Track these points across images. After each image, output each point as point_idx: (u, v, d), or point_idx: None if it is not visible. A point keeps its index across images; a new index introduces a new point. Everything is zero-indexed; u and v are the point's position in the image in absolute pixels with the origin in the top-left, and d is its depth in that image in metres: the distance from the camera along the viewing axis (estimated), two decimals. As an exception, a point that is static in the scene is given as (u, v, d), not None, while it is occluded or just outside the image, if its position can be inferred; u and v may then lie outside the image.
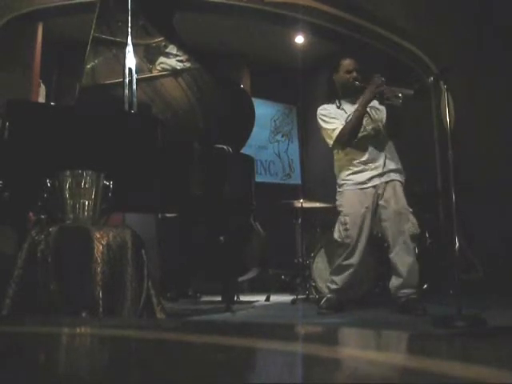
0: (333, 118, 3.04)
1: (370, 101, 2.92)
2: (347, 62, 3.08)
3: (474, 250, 4.23)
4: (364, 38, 5.44)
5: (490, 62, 4.84)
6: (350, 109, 3.04)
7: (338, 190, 3.10)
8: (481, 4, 4.93)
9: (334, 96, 3.15)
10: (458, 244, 2.42)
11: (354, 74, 3.03)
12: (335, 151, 3.13)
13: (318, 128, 3.17)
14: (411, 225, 2.87)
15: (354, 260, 2.94)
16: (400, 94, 2.79)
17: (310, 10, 5.10)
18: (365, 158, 3.00)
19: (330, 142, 3.04)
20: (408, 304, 2.82)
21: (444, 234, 4.82)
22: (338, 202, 3.09)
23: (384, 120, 3.05)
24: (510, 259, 4.21)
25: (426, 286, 3.81)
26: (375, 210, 3.00)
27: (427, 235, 4.11)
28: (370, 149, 3.00)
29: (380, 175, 2.98)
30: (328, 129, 3.03)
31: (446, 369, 0.67)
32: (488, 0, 4.92)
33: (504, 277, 4.07)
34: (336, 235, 3.03)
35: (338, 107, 3.08)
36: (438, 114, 4.49)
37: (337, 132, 2.98)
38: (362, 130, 3.00)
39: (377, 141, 3.02)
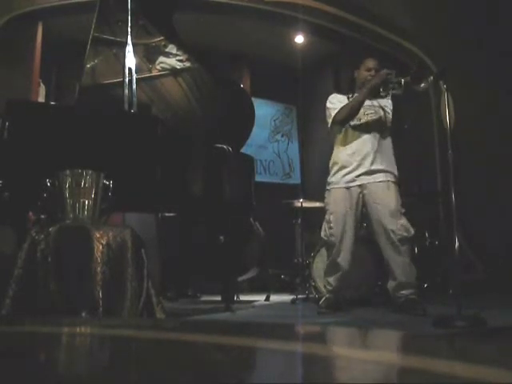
0: (338, 101, 3.11)
1: (376, 84, 2.94)
2: (369, 61, 3.15)
3: (474, 250, 4.23)
4: (364, 38, 5.45)
5: (490, 62, 4.85)
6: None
7: (327, 188, 3.13)
8: (481, 4, 4.93)
9: (351, 90, 3.19)
10: (457, 244, 2.42)
11: (373, 72, 3.09)
12: (336, 137, 3.14)
13: (322, 126, 3.20)
14: (400, 227, 2.84)
15: (342, 259, 2.94)
16: (402, 81, 2.84)
17: (309, 9, 5.11)
18: (357, 146, 3.00)
19: (329, 121, 3.10)
20: (407, 304, 2.82)
21: (444, 233, 4.83)
22: (325, 200, 3.12)
23: (390, 121, 3.07)
24: (510, 259, 4.21)
25: (426, 285, 3.82)
26: (361, 209, 3.01)
27: (427, 235, 4.11)
28: (366, 141, 3.01)
29: (367, 173, 2.97)
30: (330, 108, 3.10)
31: (445, 368, 0.67)
32: (488, 0, 4.93)
33: (504, 277, 4.07)
34: (322, 233, 3.07)
35: (349, 98, 3.12)
36: (438, 114, 4.50)
37: (336, 111, 3.03)
38: (363, 118, 3.02)
39: (375, 137, 3.02)
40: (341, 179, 3.03)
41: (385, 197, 2.92)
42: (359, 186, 2.98)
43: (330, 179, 3.10)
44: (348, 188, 3.00)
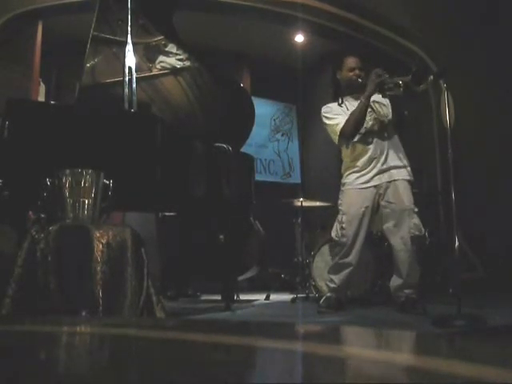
0: (336, 114, 3.06)
1: (372, 92, 2.90)
2: (350, 60, 3.10)
3: (474, 250, 4.23)
4: (364, 37, 5.45)
5: (490, 62, 4.85)
6: (353, 105, 3.03)
7: (341, 188, 3.10)
8: (481, 4, 4.92)
9: (338, 94, 3.16)
10: (457, 244, 2.42)
11: (357, 71, 3.05)
12: (343, 149, 3.12)
13: (322, 127, 3.18)
14: (413, 226, 2.83)
15: (351, 259, 2.93)
16: (400, 82, 2.78)
17: (309, 8, 5.11)
18: (370, 153, 2.98)
19: (336, 138, 3.05)
20: (408, 303, 2.82)
21: (444, 233, 4.83)
22: (339, 201, 3.10)
23: (390, 115, 3.04)
24: (510, 259, 4.21)
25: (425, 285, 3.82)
26: (376, 209, 3.00)
27: (427, 235, 4.11)
28: (375, 144, 2.99)
29: (382, 172, 2.96)
30: (332, 124, 3.04)
31: (445, 367, 0.67)
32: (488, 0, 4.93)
33: (504, 276, 4.07)
34: (333, 234, 3.04)
35: (340, 104, 3.09)
36: (438, 113, 4.49)
37: (340, 126, 2.98)
38: (365, 124, 2.99)
39: (381, 136, 3.01)
40: (355, 180, 3.01)
41: (399, 195, 2.91)
42: (374, 186, 2.97)
43: (344, 180, 3.08)
44: (363, 189, 2.98)
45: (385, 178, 2.96)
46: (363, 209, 2.95)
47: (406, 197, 2.91)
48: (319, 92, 6.40)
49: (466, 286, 2.68)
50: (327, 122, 3.07)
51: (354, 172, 3.03)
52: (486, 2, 4.88)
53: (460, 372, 0.64)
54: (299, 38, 6.02)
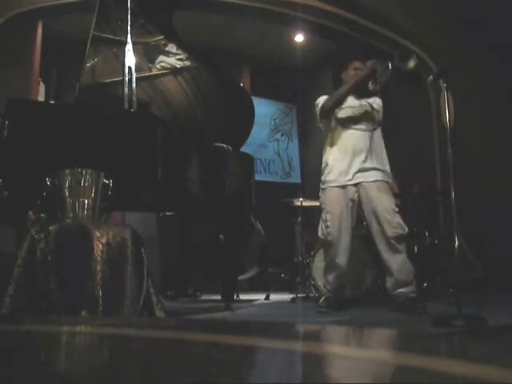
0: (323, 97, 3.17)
1: (365, 76, 3.02)
2: (357, 63, 3.21)
3: (474, 250, 4.24)
4: (364, 37, 5.45)
5: (490, 62, 4.85)
6: (353, 103, 3.09)
7: (321, 186, 3.12)
8: (481, 4, 4.92)
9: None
10: (457, 244, 2.42)
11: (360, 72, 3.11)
12: (325, 133, 3.18)
13: (317, 125, 3.22)
14: (397, 225, 2.85)
15: (341, 259, 2.94)
16: (389, 64, 2.89)
17: (309, 8, 5.11)
18: (349, 141, 3.02)
19: (318, 116, 3.16)
20: (407, 303, 2.82)
21: (444, 233, 4.83)
22: (320, 200, 3.12)
23: (380, 118, 3.09)
24: (510, 259, 4.21)
25: (425, 284, 3.82)
26: (357, 209, 3.02)
27: (427, 235, 4.11)
28: (358, 137, 3.02)
29: (363, 171, 2.98)
30: (317, 104, 3.17)
31: (445, 367, 0.67)
32: (488, 0, 4.93)
33: (504, 276, 4.07)
34: (319, 233, 3.08)
35: None
36: (438, 113, 4.49)
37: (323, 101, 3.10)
38: (354, 111, 3.05)
39: (367, 135, 3.04)
40: (336, 178, 3.03)
41: (380, 196, 2.93)
42: (354, 185, 2.99)
43: (325, 178, 3.10)
44: (343, 187, 3.00)
45: (365, 177, 2.98)
46: (344, 205, 2.97)
47: (385, 197, 2.94)
48: (319, 92, 6.37)
49: (466, 286, 2.67)
50: (316, 104, 3.19)
51: (333, 169, 3.05)
52: (486, 2, 4.87)
53: (460, 372, 0.64)
54: (299, 38, 6.02)
